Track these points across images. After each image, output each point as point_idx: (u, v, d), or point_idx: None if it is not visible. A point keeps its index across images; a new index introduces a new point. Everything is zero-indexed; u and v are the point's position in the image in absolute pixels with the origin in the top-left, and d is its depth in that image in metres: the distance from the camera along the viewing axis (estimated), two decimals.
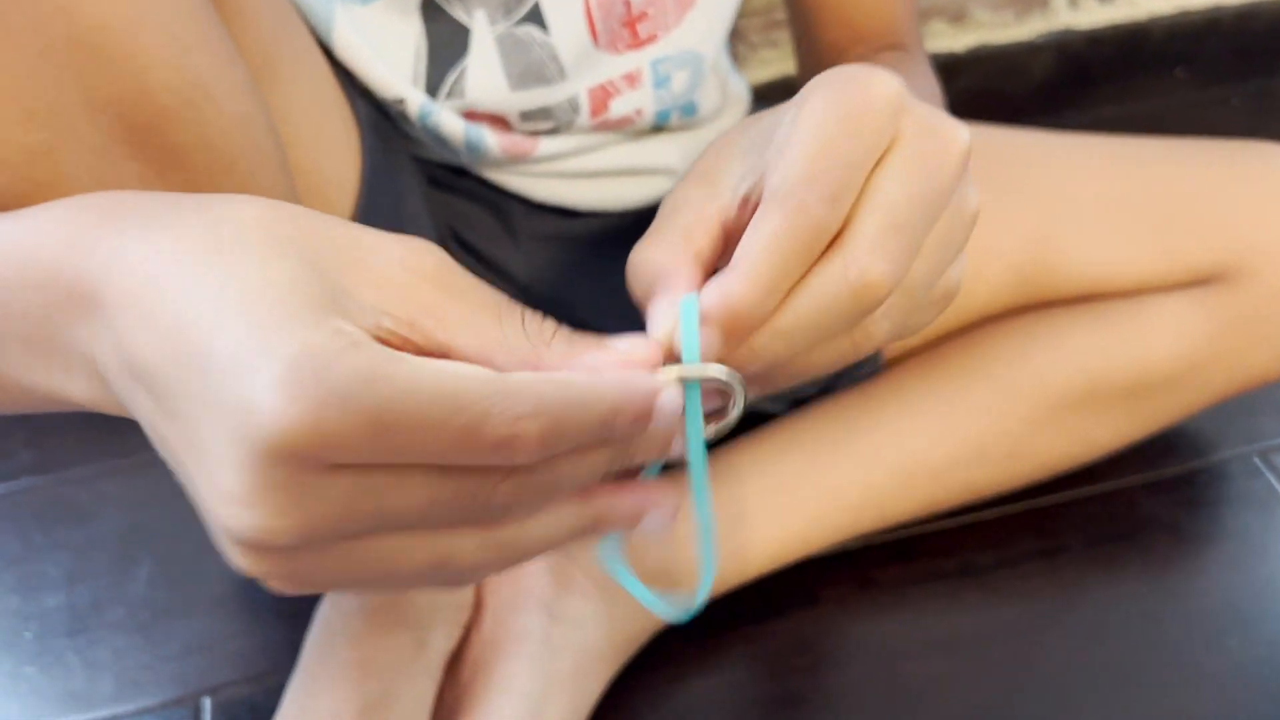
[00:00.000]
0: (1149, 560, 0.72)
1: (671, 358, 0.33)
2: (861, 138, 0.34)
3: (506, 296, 0.32)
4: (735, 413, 0.35)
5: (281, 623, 0.70)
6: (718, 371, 0.33)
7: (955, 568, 0.72)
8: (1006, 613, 0.70)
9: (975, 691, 0.66)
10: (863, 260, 0.34)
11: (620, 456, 0.32)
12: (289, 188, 0.47)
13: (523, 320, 0.31)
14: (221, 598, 0.72)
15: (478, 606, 0.66)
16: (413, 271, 0.30)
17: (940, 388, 0.71)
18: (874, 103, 0.35)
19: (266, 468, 0.27)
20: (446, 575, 0.31)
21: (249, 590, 0.73)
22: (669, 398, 0.30)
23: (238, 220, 0.29)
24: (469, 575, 0.31)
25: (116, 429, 0.84)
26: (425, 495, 0.28)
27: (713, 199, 0.37)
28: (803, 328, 0.34)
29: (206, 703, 0.67)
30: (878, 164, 0.35)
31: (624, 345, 0.32)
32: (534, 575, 0.65)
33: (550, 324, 0.31)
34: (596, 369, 0.31)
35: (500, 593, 0.65)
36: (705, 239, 0.36)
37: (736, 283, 0.33)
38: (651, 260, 0.36)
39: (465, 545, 0.30)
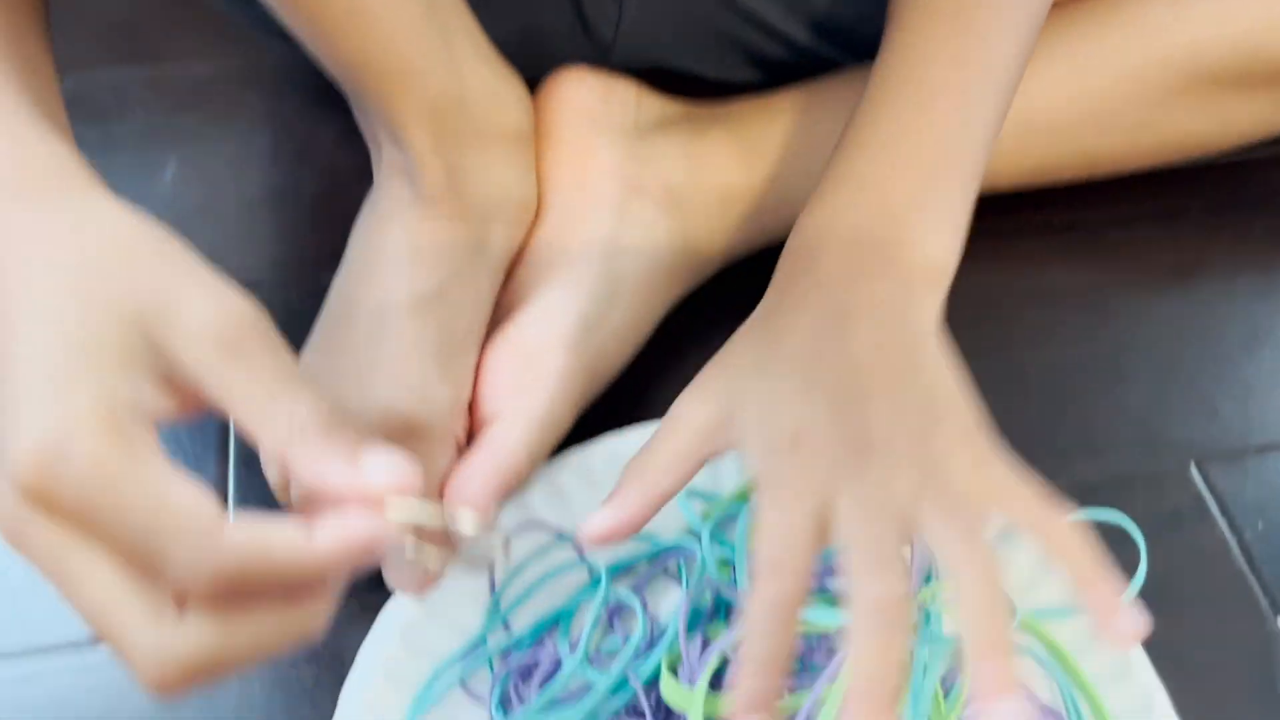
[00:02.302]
0: (1273, 231, 0.66)
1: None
2: None
3: (297, 372, 0.34)
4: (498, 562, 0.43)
5: (318, 218, 0.64)
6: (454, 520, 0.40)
7: (1063, 223, 0.65)
8: (1118, 270, 0.64)
9: (1077, 344, 0.61)
10: None
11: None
12: None
13: (292, 406, 0.33)
14: (252, 201, 0.67)
15: (540, 209, 0.60)
16: (211, 332, 0.33)
17: (1074, 39, 0.62)
18: None
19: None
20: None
21: (285, 191, 0.67)
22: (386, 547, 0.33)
23: (86, 243, 0.35)
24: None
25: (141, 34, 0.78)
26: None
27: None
28: None
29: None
30: None
31: (375, 472, 0.33)
32: (602, 178, 0.59)
33: (319, 412, 0.33)
34: (333, 488, 0.33)
35: (565, 194, 0.59)
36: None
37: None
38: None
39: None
